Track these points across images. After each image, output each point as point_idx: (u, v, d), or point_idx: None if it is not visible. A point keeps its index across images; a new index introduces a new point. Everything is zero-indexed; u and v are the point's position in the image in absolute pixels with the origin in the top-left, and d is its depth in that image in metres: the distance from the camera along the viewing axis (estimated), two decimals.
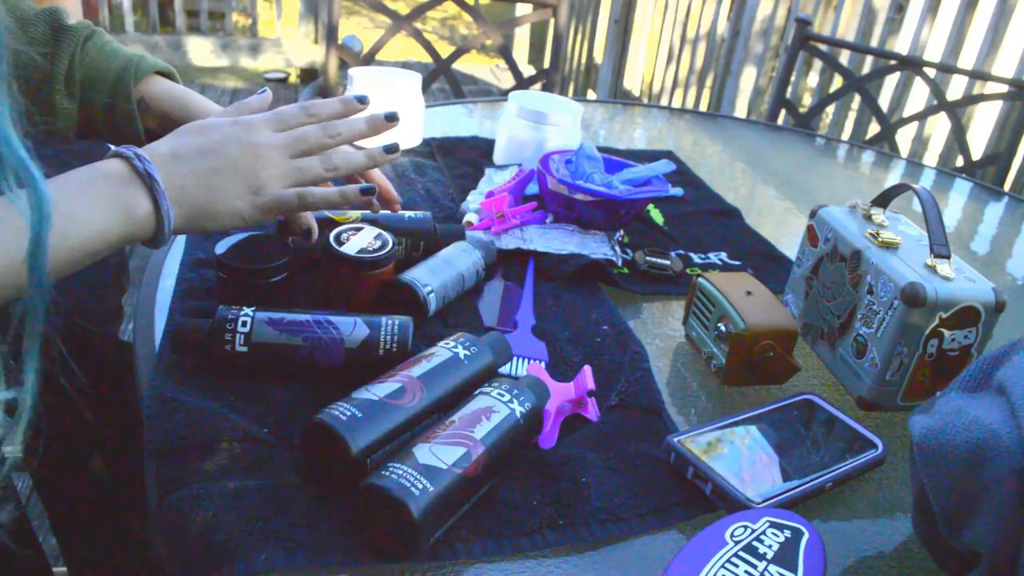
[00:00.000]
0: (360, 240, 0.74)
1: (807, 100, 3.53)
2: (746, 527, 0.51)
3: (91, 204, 0.54)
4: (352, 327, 0.66)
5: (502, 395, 0.59)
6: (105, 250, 0.56)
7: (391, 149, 0.65)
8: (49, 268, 0.50)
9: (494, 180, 1.05)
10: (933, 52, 2.52)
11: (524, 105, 1.10)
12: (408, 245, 0.83)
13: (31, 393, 0.46)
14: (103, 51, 0.72)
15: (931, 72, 1.93)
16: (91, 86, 0.73)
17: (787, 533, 0.51)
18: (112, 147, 0.58)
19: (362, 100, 0.65)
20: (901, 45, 2.65)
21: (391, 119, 0.65)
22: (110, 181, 0.55)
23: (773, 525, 0.51)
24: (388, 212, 0.86)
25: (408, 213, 0.86)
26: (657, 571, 0.48)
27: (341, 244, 0.73)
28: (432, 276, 0.76)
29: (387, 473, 0.51)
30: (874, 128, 2.01)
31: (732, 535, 0.50)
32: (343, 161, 0.65)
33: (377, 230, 0.76)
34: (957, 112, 1.84)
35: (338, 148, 0.66)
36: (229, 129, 0.60)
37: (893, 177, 1.47)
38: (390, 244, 0.75)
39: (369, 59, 1.77)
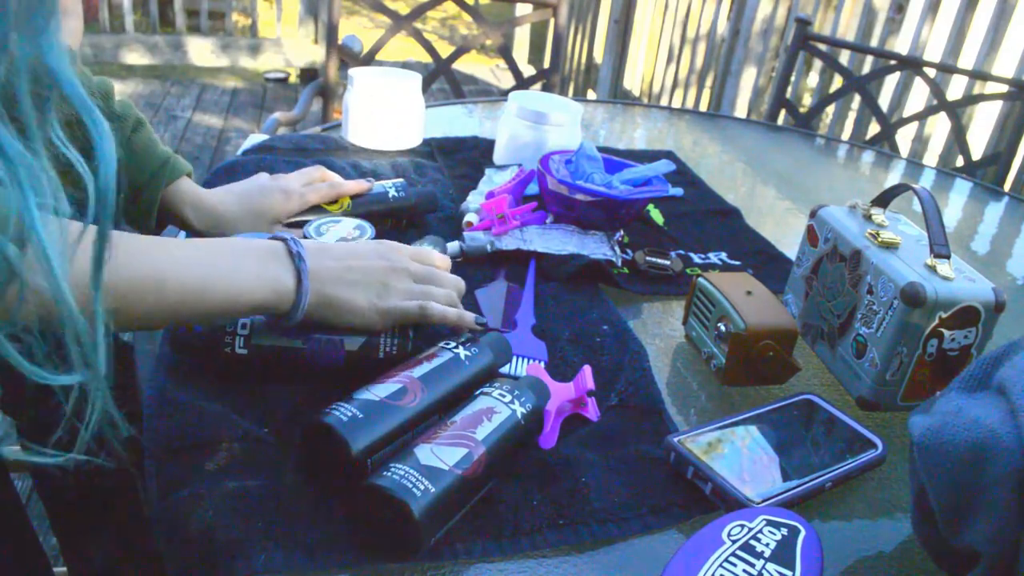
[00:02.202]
0: (340, 231, 0.75)
1: (807, 100, 3.53)
2: (743, 526, 0.51)
3: (243, 265, 0.60)
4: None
5: (503, 396, 0.59)
6: (242, 311, 0.61)
7: (480, 322, 0.72)
8: (183, 313, 0.58)
9: (494, 180, 1.05)
10: (933, 52, 2.52)
11: (524, 105, 1.10)
12: (391, 224, 0.92)
13: (103, 375, 0.47)
14: (146, 148, 0.80)
15: (931, 72, 1.93)
16: (127, 175, 0.78)
17: (784, 531, 0.51)
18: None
19: (479, 321, 0.71)
20: (901, 45, 2.64)
21: (479, 323, 0.71)
22: (264, 254, 0.62)
23: (770, 523, 0.51)
24: (367, 184, 0.92)
25: (390, 190, 0.92)
26: (657, 571, 0.48)
27: (321, 236, 0.74)
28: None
29: (388, 473, 0.51)
30: (874, 128, 2.01)
31: (729, 534, 0.50)
32: (458, 305, 0.71)
33: (357, 220, 0.78)
34: (957, 112, 1.84)
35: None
36: (376, 246, 0.69)
37: (893, 177, 1.47)
38: (369, 233, 0.77)
39: (369, 59, 1.77)
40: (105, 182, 0.47)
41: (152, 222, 0.80)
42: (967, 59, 2.42)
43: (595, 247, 0.93)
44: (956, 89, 2.35)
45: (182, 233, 0.85)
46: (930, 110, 1.91)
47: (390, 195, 0.92)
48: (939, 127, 2.60)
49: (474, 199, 0.99)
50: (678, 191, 1.17)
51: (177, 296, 0.56)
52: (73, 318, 0.45)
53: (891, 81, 2.56)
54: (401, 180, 0.95)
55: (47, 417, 0.47)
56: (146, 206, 0.79)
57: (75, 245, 0.45)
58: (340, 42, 1.79)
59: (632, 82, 3.82)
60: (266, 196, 0.84)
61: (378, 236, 0.78)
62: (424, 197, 0.94)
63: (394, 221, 0.94)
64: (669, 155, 1.32)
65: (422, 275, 0.69)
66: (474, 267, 0.88)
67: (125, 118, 0.79)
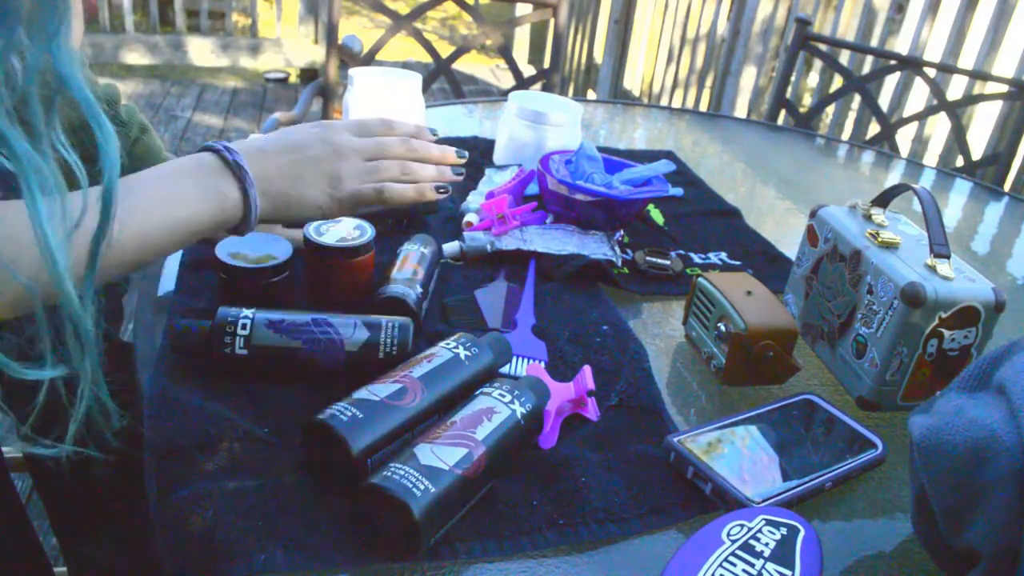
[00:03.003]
0: (340, 230, 0.76)
1: (807, 100, 3.53)
2: (742, 525, 0.51)
3: (183, 190, 0.58)
4: (352, 329, 0.66)
5: (503, 396, 0.59)
6: (194, 235, 0.59)
7: (443, 189, 0.71)
8: (137, 249, 0.55)
9: (494, 180, 1.05)
10: (933, 52, 2.52)
11: (524, 105, 1.10)
12: (392, 224, 0.92)
13: (92, 361, 0.48)
14: (149, 154, 0.80)
15: (931, 72, 1.93)
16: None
17: (783, 531, 0.51)
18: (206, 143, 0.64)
19: (434, 132, 0.71)
20: (901, 45, 2.64)
21: (461, 156, 0.71)
22: (202, 171, 0.59)
23: (769, 523, 0.51)
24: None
25: None
26: (657, 571, 0.48)
27: (321, 236, 0.74)
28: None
29: (389, 473, 0.51)
30: (874, 128, 2.01)
31: (729, 534, 0.50)
32: (419, 168, 0.69)
33: (356, 220, 0.78)
34: (957, 112, 1.84)
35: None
36: (312, 130, 0.66)
37: (893, 177, 1.47)
38: (369, 232, 0.76)
39: (369, 59, 1.77)
40: (108, 185, 0.48)
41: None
42: (967, 59, 2.42)
43: (595, 247, 0.93)
44: (956, 89, 2.35)
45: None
46: (930, 110, 1.91)
47: None
48: (939, 127, 2.60)
49: (474, 199, 0.99)
50: (678, 191, 1.17)
51: (122, 238, 0.53)
52: (75, 311, 0.46)
53: (891, 81, 2.56)
54: None
55: (44, 411, 0.47)
56: None
57: (73, 229, 0.45)
58: (340, 42, 1.79)
59: (632, 82, 3.82)
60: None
61: (379, 236, 0.78)
62: None
63: (394, 221, 0.94)
64: (669, 155, 1.33)
65: (371, 150, 0.67)
66: (474, 267, 0.88)
67: (130, 124, 0.79)
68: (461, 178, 0.72)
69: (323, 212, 0.65)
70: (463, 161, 0.71)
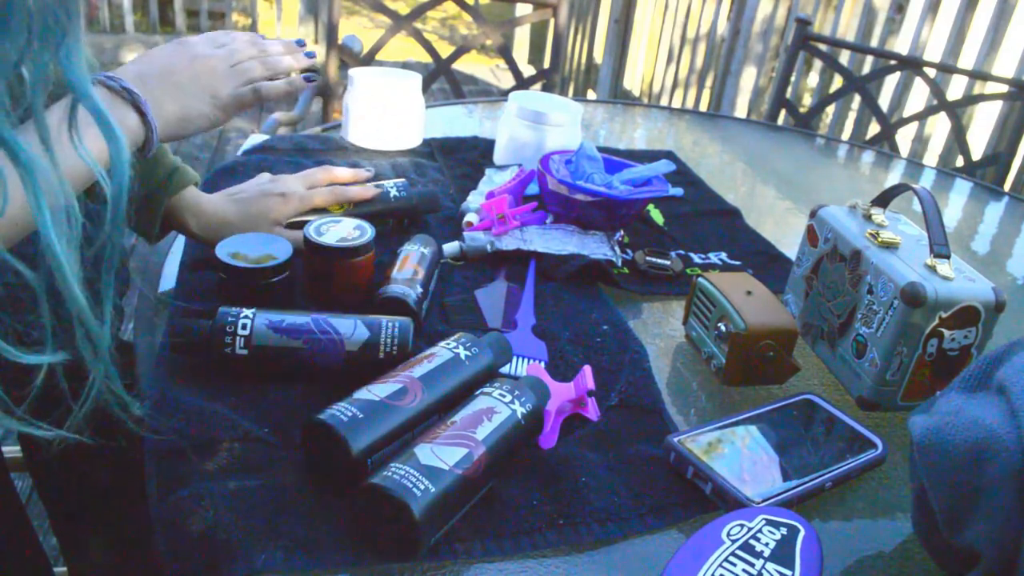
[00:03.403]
0: (340, 230, 0.76)
1: (807, 100, 3.53)
2: (742, 525, 0.51)
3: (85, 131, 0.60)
4: (352, 329, 0.66)
5: (503, 396, 0.59)
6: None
7: (309, 79, 0.79)
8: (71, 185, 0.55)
9: (494, 180, 1.05)
10: (933, 52, 2.52)
11: (524, 105, 1.10)
12: (392, 224, 0.94)
13: (108, 331, 0.48)
14: (156, 157, 0.82)
15: (931, 72, 1.93)
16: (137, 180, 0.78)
17: (783, 530, 0.51)
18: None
19: (300, 43, 0.79)
20: (901, 45, 2.64)
21: (301, 44, 0.78)
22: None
23: (769, 523, 0.51)
24: (374, 191, 0.92)
25: (391, 190, 0.92)
26: (657, 571, 0.48)
27: (321, 236, 0.74)
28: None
29: (389, 473, 0.51)
30: (874, 128, 2.01)
31: (729, 534, 0.50)
32: (276, 62, 0.76)
33: (357, 220, 0.78)
34: (957, 112, 1.84)
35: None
36: (171, 49, 0.71)
37: (893, 177, 1.47)
38: (369, 232, 0.77)
39: (369, 59, 1.77)
40: (118, 191, 0.48)
41: (156, 229, 0.80)
42: (967, 59, 2.42)
43: (595, 247, 0.93)
44: (956, 89, 2.35)
45: (180, 241, 0.86)
46: (930, 110, 1.91)
47: (391, 195, 0.92)
48: (939, 127, 2.60)
49: (474, 199, 0.99)
50: (678, 191, 1.17)
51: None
52: (83, 312, 0.46)
53: (891, 81, 2.56)
54: (403, 180, 0.95)
55: (42, 395, 0.48)
56: (152, 214, 0.80)
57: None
58: (340, 42, 1.79)
59: (632, 82, 3.82)
60: (264, 199, 0.84)
61: (379, 236, 0.78)
62: (426, 197, 0.94)
63: (395, 221, 0.94)
64: (669, 155, 1.32)
65: (229, 57, 0.72)
66: (474, 267, 0.88)
67: None
68: (313, 60, 0.79)
69: (211, 121, 0.70)
70: (303, 50, 0.78)
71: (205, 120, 0.70)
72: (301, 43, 0.78)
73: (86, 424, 0.49)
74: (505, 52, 1.90)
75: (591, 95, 4.02)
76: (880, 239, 0.73)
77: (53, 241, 0.44)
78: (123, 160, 0.49)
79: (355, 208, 0.89)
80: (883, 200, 0.80)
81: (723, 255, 1.00)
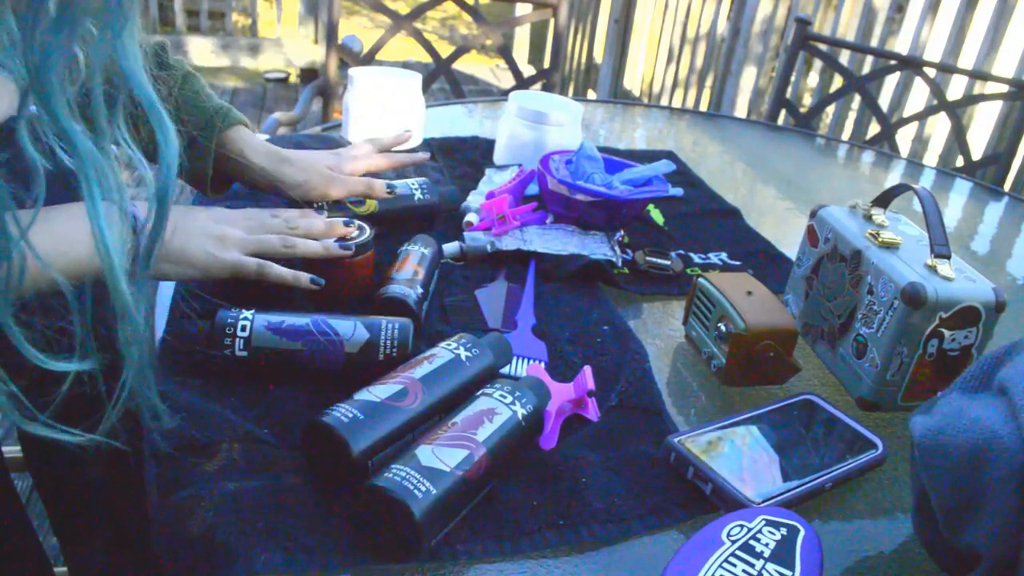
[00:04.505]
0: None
1: (807, 100, 3.53)
2: (742, 526, 0.51)
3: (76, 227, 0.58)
4: (352, 331, 0.66)
5: (504, 397, 0.59)
6: (89, 272, 0.58)
7: (345, 247, 0.75)
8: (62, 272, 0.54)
9: (494, 180, 1.05)
10: (933, 52, 2.52)
11: (524, 105, 1.10)
12: (416, 225, 0.92)
13: (146, 330, 0.49)
14: (198, 93, 0.81)
15: (931, 72, 1.93)
16: (180, 121, 0.79)
17: (783, 531, 0.51)
18: None
19: (319, 210, 0.79)
20: (901, 45, 2.64)
21: (348, 224, 0.76)
22: None
23: (769, 523, 0.51)
24: (398, 193, 0.91)
25: (415, 192, 0.92)
26: (657, 571, 0.48)
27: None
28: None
29: (390, 475, 0.51)
30: (874, 128, 2.01)
31: (729, 534, 0.50)
32: (300, 243, 0.73)
33: (356, 221, 0.78)
34: (957, 112, 1.84)
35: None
36: (204, 223, 0.69)
37: (893, 177, 1.47)
38: (369, 232, 0.77)
39: (369, 59, 1.77)
40: (164, 183, 0.48)
41: (208, 169, 0.80)
42: (967, 59, 2.42)
43: (595, 247, 0.93)
44: (956, 89, 2.35)
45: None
46: (930, 110, 1.91)
47: (416, 197, 0.92)
48: (939, 127, 2.60)
49: (474, 199, 0.99)
50: (678, 191, 1.17)
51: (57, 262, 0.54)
52: (127, 311, 0.46)
53: (891, 81, 2.56)
54: (425, 179, 0.95)
55: (68, 402, 0.48)
56: (200, 155, 0.80)
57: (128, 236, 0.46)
58: (340, 42, 1.79)
59: (632, 82, 3.82)
60: (320, 175, 0.85)
61: (378, 236, 0.78)
62: (447, 196, 0.95)
63: (419, 222, 0.93)
64: (669, 155, 1.32)
65: (252, 226, 0.71)
66: (474, 267, 0.88)
67: (176, 68, 0.81)
68: (347, 253, 0.75)
69: (197, 270, 0.67)
70: (352, 231, 0.76)
71: (189, 267, 0.67)
72: (350, 223, 0.76)
73: (121, 427, 0.49)
74: (505, 52, 1.90)
75: (591, 95, 4.02)
76: (880, 239, 0.73)
77: (105, 236, 0.44)
78: (171, 157, 0.48)
79: (380, 210, 0.89)
80: (883, 200, 0.80)
81: (723, 255, 1.00)
